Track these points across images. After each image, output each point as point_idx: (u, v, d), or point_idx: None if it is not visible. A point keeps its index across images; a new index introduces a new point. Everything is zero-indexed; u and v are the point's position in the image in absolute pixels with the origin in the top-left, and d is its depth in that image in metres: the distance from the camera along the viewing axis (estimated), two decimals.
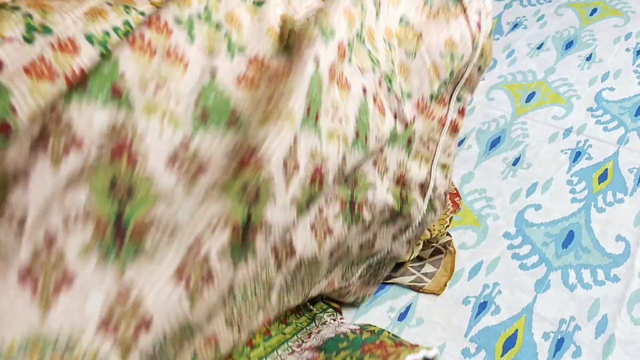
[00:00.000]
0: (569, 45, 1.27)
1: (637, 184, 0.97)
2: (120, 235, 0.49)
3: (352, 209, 0.64)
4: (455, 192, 0.95)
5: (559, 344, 0.79)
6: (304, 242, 0.60)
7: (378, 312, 0.83)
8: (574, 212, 0.94)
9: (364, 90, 0.61)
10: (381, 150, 0.66)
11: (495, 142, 1.07)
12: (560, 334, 0.80)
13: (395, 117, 0.66)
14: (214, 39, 0.56)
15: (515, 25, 1.34)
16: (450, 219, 0.88)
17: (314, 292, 0.70)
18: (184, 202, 0.52)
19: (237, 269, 0.54)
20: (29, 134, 0.47)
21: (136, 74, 0.50)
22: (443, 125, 0.72)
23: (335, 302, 0.82)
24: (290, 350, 0.70)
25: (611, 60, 1.23)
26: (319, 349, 0.66)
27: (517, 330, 0.80)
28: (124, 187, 0.49)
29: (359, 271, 0.76)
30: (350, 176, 0.63)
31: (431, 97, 0.70)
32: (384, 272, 0.80)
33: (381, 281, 0.82)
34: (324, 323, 0.76)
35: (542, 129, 1.09)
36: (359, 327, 0.70)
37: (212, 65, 0.55)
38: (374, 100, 0.62)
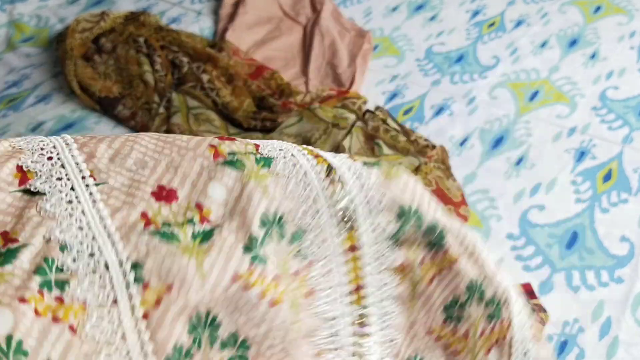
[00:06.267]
0: (572, 43, 1.26)
1: None
2: None
3: None
4: (461, 199, 0.95)
5: (563, 347, 0.78)
6: None
7: None
8: (578, 213, 0.93)
9: None
10: None
11: (498, 142, 1.06)
12: (564, 336, 0.79)
13: None
14: None
15: (519, 23, 1.33)
16: None
17: None
18: None
19: None
20: None
21: None
22: None
23: None
24: None
25: (615, 59, 1.22)
26: None
27: None
28: None
29: None
30: None
31: None
32: None
33: None
34: None
35: (546, 128, 1.08)
36: None
37: None
38: None
